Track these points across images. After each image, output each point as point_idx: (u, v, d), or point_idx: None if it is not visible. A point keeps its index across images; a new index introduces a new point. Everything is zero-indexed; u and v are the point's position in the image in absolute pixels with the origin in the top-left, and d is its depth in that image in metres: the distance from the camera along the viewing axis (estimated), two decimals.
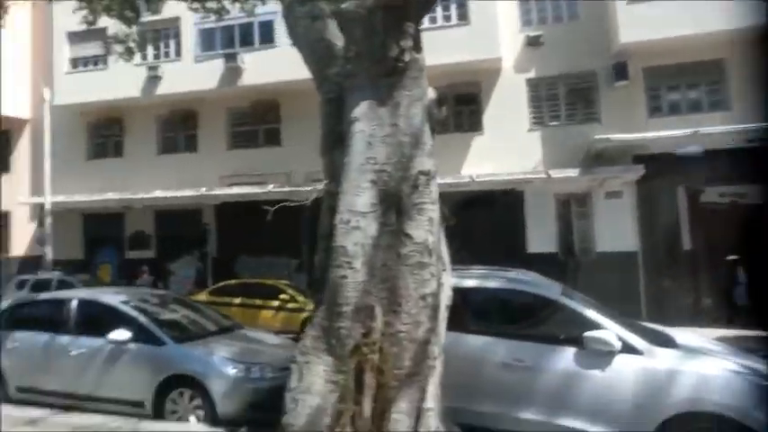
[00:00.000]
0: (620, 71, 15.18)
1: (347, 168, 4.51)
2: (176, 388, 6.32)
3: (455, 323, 4.75)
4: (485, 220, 14.51)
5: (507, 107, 16.00)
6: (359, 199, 4.41)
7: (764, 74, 13.54)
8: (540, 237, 15.44)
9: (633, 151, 14.55)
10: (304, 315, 13.43)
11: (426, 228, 4.45)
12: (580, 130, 15.41)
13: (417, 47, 4.73)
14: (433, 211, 4.53)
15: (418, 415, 4.29)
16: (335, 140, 4.85)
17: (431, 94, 4.95)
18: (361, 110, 4.59)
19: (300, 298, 14.08)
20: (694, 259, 14.55)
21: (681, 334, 5.82)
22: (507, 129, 15.84)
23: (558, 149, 15.40)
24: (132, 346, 6.58)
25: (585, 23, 15.80)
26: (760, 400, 4.61)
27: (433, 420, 4.32)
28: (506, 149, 15.47)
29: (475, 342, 5.50)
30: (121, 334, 6.58)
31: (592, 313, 5.39)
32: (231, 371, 6.25)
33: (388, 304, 4.36)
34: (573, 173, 14.60)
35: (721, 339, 6.92)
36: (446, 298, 4.69)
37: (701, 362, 5.01)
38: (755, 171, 13.32)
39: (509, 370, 5.32)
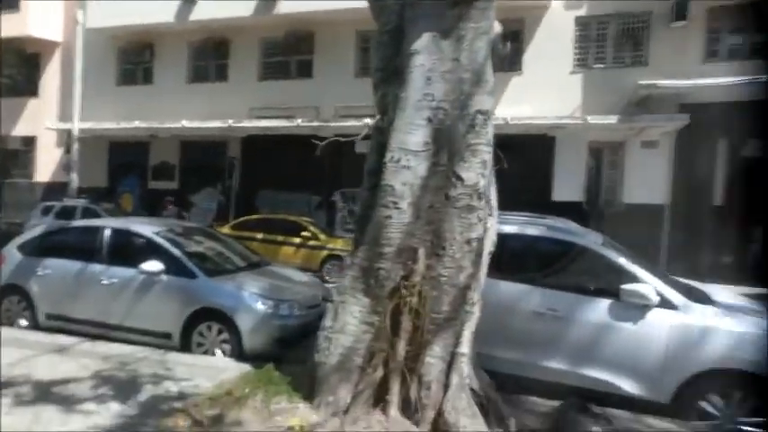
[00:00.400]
0: (681, 10, 14.24)
1: (402, 104, 4.28)
2: (205, 321, 6.34)
3: (491, 269, 4.64)
4: (512, 165, 13.81)
5: (551, 46, 15.25)
6: (412, 137, 4.22)
7: None
8: (568, 185, 15.12)
9: (680, 99, 13.86)
10: (325, 253, 13.57)
11: (479, 170, 4.30)
12: (626, 74, 14.67)
13: None
14: (488, 153, 4.36)
15: (451, 359, 4.27)
16: (391, 74, 4.58)
17: (496, 28, 4.64)
18: (423, 42, 4.27)
19: (322, 236, 14.12)
20: (723, 216, 14.13)
21: (716, 291, 5.76)
22: (548, 70, 15.17)
23: (601, 94, 14.75)
24: (164, 277, 6.57)
25: None
26: None
27: (465, 366, 4.32)
28: (545, 91, 14.89)
29: (509, 289, 5.44)
30: (154, 265, 6.57)
31: (631, 265, 5.28)
32: (260, 306, 6.24)
33: (432, 247, 4.27)
34: (612, 119, 14.03)
35: (750, 297, 6.78)
36: (490, 244, 4.53)
37: (735, 319, 4.95)
38: None
39: (541, 319, 5.28)
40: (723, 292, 5.82)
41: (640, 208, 14.48)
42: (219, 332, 6.30)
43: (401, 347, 4.24)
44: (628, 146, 14.99)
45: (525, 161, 14.52)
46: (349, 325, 4.39)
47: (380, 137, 4.58)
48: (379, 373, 4.25)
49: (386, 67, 4.65)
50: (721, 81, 13.09)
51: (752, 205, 13.80)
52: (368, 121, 12.33)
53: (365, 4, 4.96)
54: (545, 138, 15.06)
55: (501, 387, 4.69)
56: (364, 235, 4.42)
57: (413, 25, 4.34)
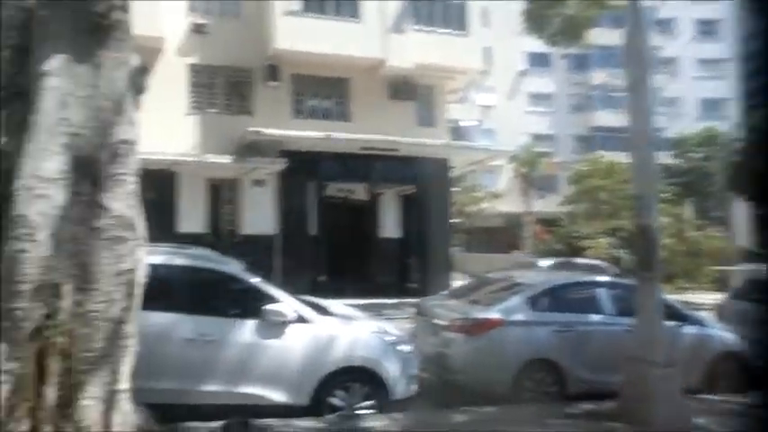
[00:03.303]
0: (273, 73, 16.10)
1: (35, 129, 3.76)
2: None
3: (142, 300, 4.38)
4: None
5: (167, 89, 14.96)
6: (47, 164, 3.74)
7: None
8: (191, 217, 15.29)
9: (279, 146, 15.53)
10: None
11: (125, 200, 4.04)
12: (235, 121, 15.76)
13: (125, 8, 4.18)
14: (133, 183, 4.14)
15: (111, 399, 3.84)
16: (15, 93, 3.95)
17: (135, 60, 4.40)
18: (56, 63, 3.82)
19: None
20: (317, 242, 16.45)
21: (332, 304, 6.41)
22: (165, 110, 14.70)
23: (215, 136, 15.46)
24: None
25: (248, 22, 16.17)
26: (386, 353, 5.58)
27: (126, 403, 3.93)
28: (164, 130, 14.34)
29: (159, 320, 5.20)
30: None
31: (269, 288, 5.64)
32: None
33: (79, 281, 3.83)
34: (226, 159, 14.87)
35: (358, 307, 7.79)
36: (142, 275, 4.26)
37: (351, 326, 5.71)
38: (363, 173, 16.34)
39: (194, 345, 5.23)
40: (337, 306, 6.44)
41: (255, 238, 15.53)
42: None
43: (50, 394, 3.58)
44: (241, 183, 15.97)
45: (150, 194, 13.97)
46: None
47: (6, 162, 3.90)
48: (25, 427, 3.49)
49: (8, 86, 4.02)
50: (305, 134, 15.32)
51: (336, 234, 16.56)
52: None
53: None
54: (166, 173, 14.80)
55: (161, 419, 4.40)
56: None
57: (42, 45, 3.90)
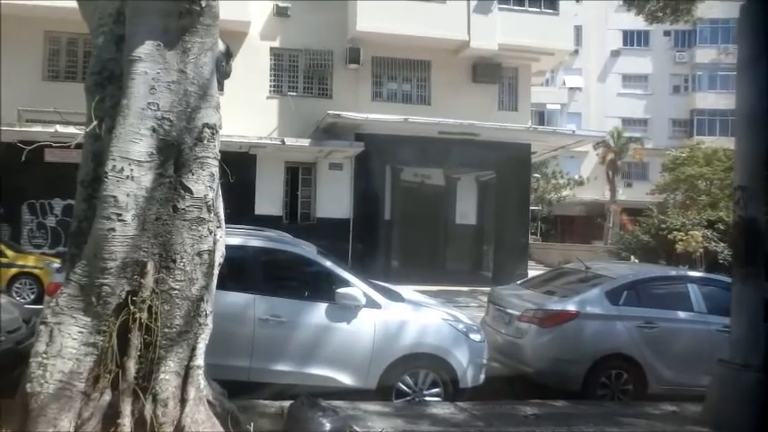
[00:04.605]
0: (353, 55, 16.20)
1: (125, 112, 3.92)
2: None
3: (218, 280, 4.57)
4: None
5: (249, 72, 15.44)
6: (136, 146, 3.90)
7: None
8: (269, 200, 15.63)
9: (357, 129, 15.53)
10: (14, 271, 11.67)
11: (207, 183, 4.16)
12: (314, 104, 15.98)
13: None
14: (215, 166, 4.25)
15: (187, 373, 4.03)
16: (106, 79, 4.17)
17: (221, 46, 4.56)
18: (146, 49, 3.97)
19: (9, 252, 12.04)
20: (391, 227, 16.46)
21: (404, 290, 6.42)
22: (247, 93, 15.39)
23: (293, 119, 15.76)
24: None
25: (330, 4, 16.20)
26: (457, 341, 5.56)
27: (201, 378, 4.08)
28: (245, 113, 15.04)
29: (236, 299, 5.38)
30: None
31: (343, 272, 5.68)
32: None
33: (162, 260, 4.02)
34: (305, 142, 15.09)
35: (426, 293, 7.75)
36: (220, 255, 4.43)
37: (422, 313, 5.69)
38: (440, 158, 16.09)
39: (266, 325, 5.34)
40: (408, 292, 6.44)
41: (330, 221, 15.72)
42: None
43: (131, 366, 3.79)
44: (318, 167, 16.18)
45: (230, 177, 14.62)
46: (67, 348, 3.74)
47: (96, 145, 4.15)
48: (107, 396, 3.74)
49: (101, 71, 4.25)
50: (384, 118, 15.18)
51: (410, 219, 16.53)
52: (58, 127, 11.16)
53: (57, 3, 4.40)
54: (247, 155, 15.23)
55: (233, 394, 4.60)
56: (82, 250, 3.93)
57: (134, 31, 4.06)
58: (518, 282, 8.31)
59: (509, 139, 16.22)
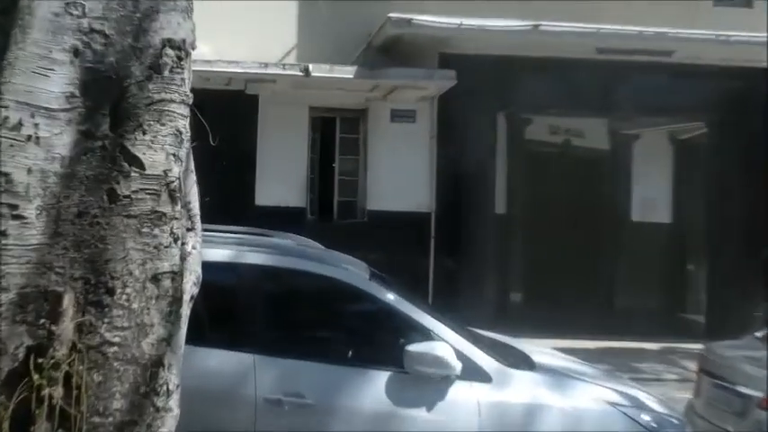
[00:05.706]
0: None
1: (25, 19, 2.38)
2: None
3: (191, 328, 2.93)
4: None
5: None
6: (44, 83, 2.33)
7: None
8: (280, 179, 11.01)
9: (442, 47, 10.67)
10: None
11: (170, 147, 2.46)
12: (361, 4, 10.88)
13: None
14: (184, 117, 2.48)
15: None
16: None
17: None
18: None
19: None
20: (507, 228, 11.62)
21: (536, 348, 4.81)
22: None
23: (324, 31, 10.92)
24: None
25: None
26: None
27: None
28: (238, 22, 10.74)
29: (223, 363, 3.75)
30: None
31: (418, 312, 4.00)
32: None
33: (88, 291, 2.49)
34: (347, 71, 10.21)
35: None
36: (193, 281, 2.73)
37: (570, 391, 4.14)
38: (600, 99, 10.86)
39: (278, 411, 3.73)
40: (543, 351, 4.87)
41: (393, 217, 11.23)
42: None
43: None
44: (372, 117, 11.33)
45: (214, 138, 9.92)
46: None
47: None
48: None
49: None
50: (492, 24, 9.96)
51: (543, 214, 11.64)
52: None
53: None
54: (243, 97, 10.67)
55: None
56: None
57: None
58: (757, 333, 6.38)
59: (733, 61, 11.17)
